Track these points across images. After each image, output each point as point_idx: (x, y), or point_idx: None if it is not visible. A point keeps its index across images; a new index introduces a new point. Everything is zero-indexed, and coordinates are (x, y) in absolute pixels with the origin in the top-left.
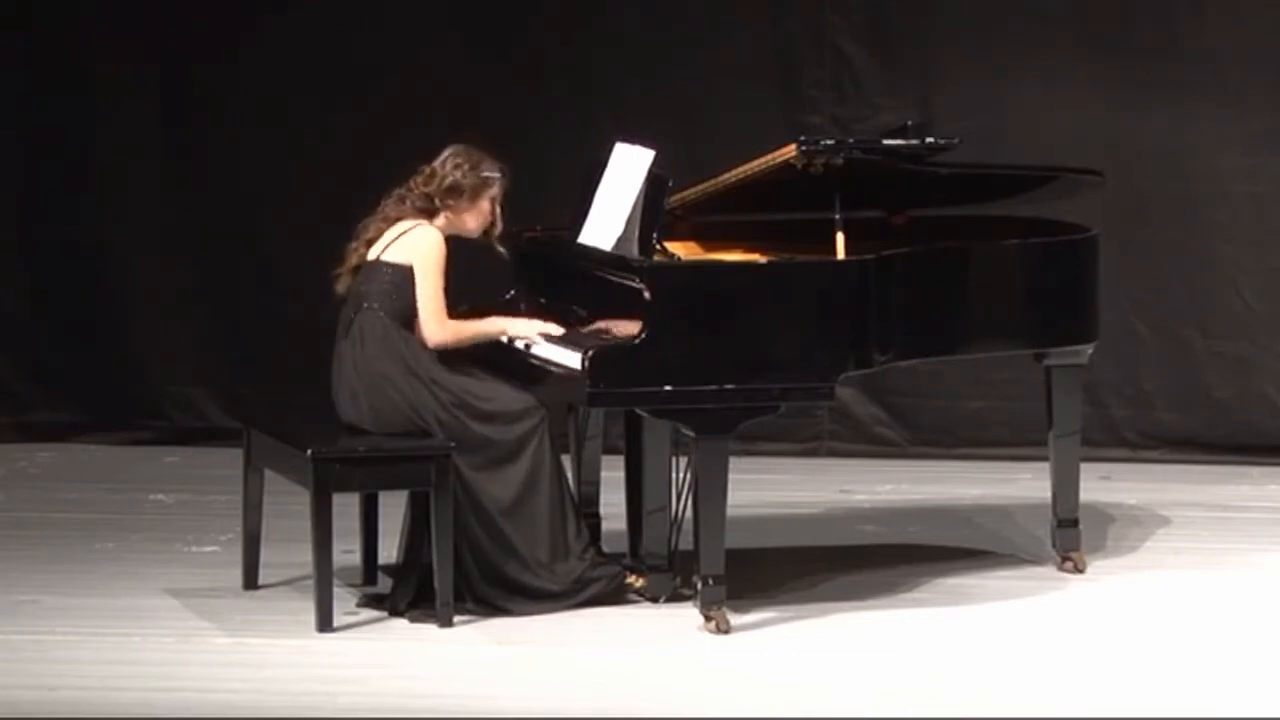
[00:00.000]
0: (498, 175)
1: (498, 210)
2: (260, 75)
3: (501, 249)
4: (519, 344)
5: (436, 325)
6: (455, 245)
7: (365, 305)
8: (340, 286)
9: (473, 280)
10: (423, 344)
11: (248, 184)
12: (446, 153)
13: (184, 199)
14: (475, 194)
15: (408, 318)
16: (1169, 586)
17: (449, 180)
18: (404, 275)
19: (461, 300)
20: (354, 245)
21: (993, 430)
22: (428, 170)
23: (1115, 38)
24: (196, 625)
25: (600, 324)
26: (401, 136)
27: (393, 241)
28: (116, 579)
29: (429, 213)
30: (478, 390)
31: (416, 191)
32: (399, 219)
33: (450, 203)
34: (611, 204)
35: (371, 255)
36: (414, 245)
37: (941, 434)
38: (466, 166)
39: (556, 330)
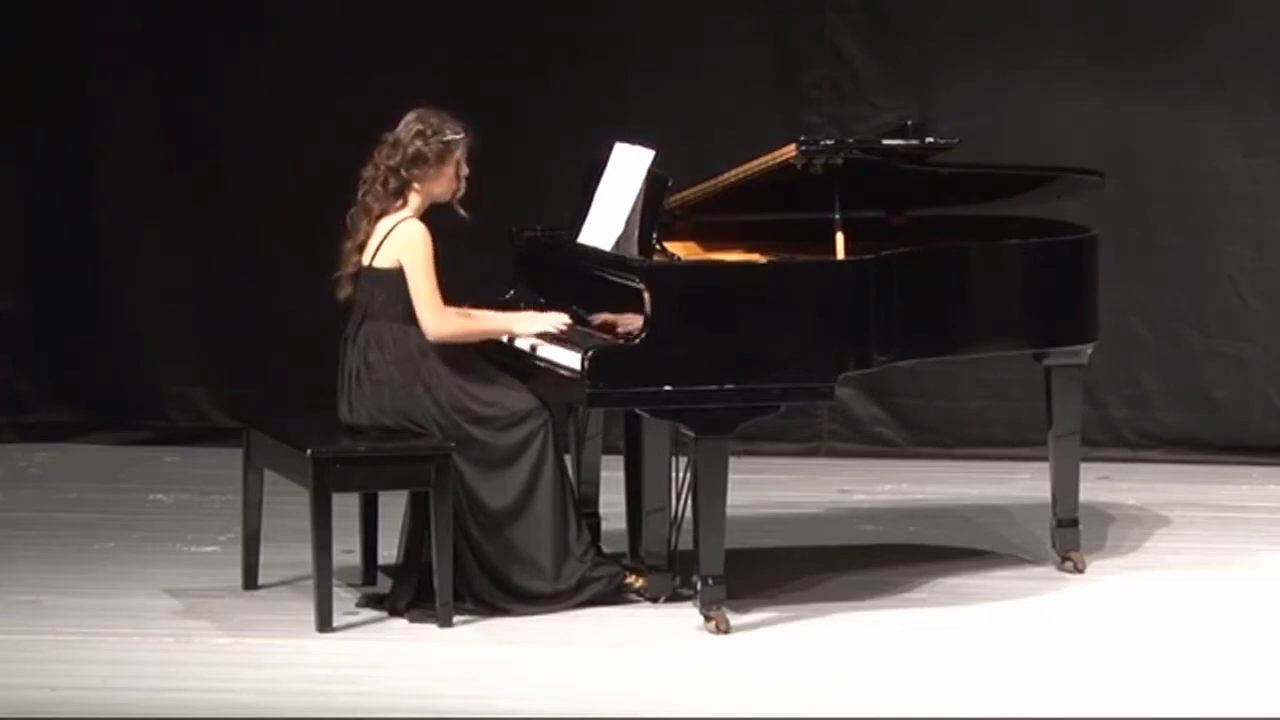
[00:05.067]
0: (460, 136)
1: (464, 172)
2: (260, 75)
3: (462, 211)
4: (524, 344)
5: (434, 317)
6: (452, 245)
7: (369, 316)
8: (341, 294)
9: (473, 280)
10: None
11: (248, 184)
12: (407, 118)
13: (184, 199)
14: (440, 160)
15: (413, 316)
16: (1169, 586)
17: (411, 150)
18: (397, 277)
19: (461, 299)
20: (349, 246)
21: (993, 430)
22: (390, 140)
23: (1115, 38)
24: (196, 625)
25: (603, 319)
26: None
27: (380, 245)
28: (116, 579)
29: (401, 191)
30: (478, 394)
31: (382, 168)
32: (382, 213)
33: (416, 173)
34: (611, 204)
35: (365, 261)
36: (399, 244)
37: (941, 434)
38: (428, 133)
39: (560, 322)
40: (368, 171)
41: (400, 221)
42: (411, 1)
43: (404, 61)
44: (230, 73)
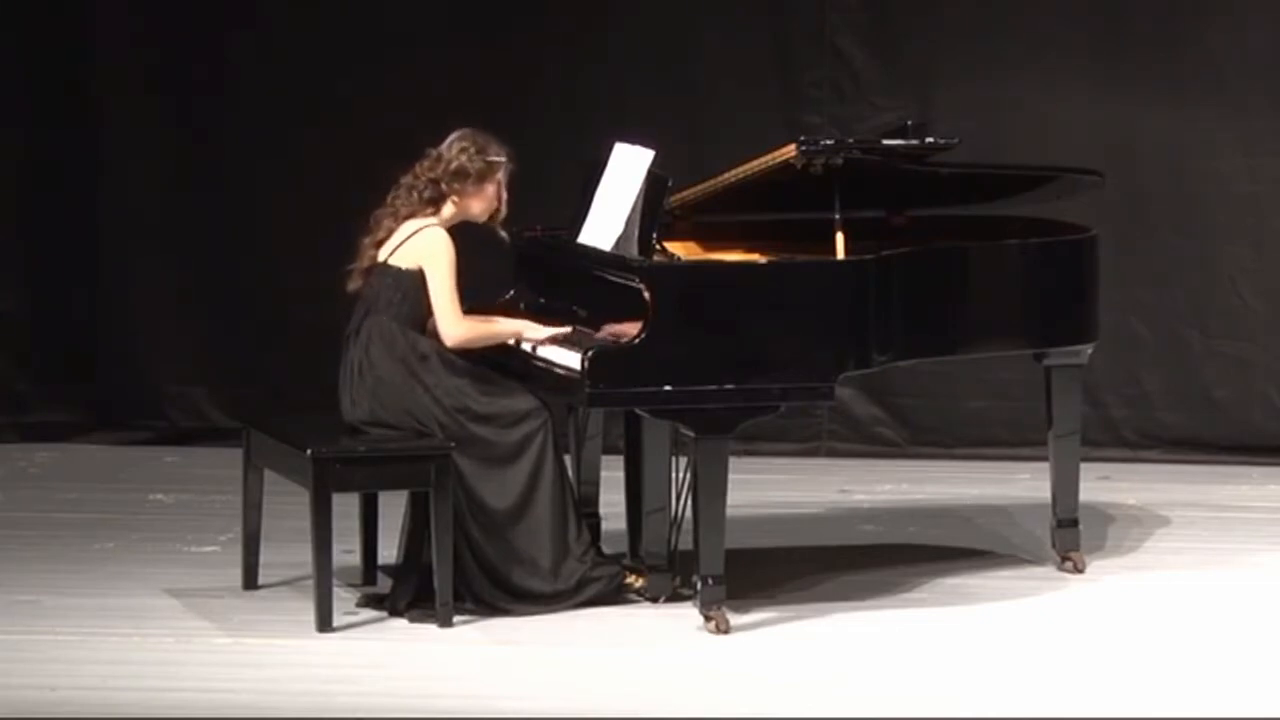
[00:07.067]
0: (504, 159)
1: (503, 195)
2: (260, 76)
3: (503, 233)
4: (525, 346)
5: (453, 324)
6: (456, 244)
7: (373, 311)
8: (351, 285)
9: (473, 280)
10: (436, 345)
11: (248, 184)
12: (453, 136)
13: (184, 199)
14: (481, 178)
15: (417, 320)
16: (1169, 586)
17: (455, 164)
18: (412, 279)
19: (461, 300)
20: (367, 242)
21: (993, 430)
22: (434, 154)
23: (1115, 38)
24: (196, 625)
25: (606, 327)
26: (401, 136)
27: (401, 244)
28: (116, 579)
29: (436, 201)
30: (478, 394)
31: (423, 178)
32: (410, 215)
33: (456, 187)
34: (611, 204)
35: (381, 257)
36: (422, 247)
37: (941, 434)
38: (472, 150)
39: (568, 335)
40: (406, 179)
41: (426, 226)
42: (412, 2)
43: (405, 62)
44: (231, 73)
